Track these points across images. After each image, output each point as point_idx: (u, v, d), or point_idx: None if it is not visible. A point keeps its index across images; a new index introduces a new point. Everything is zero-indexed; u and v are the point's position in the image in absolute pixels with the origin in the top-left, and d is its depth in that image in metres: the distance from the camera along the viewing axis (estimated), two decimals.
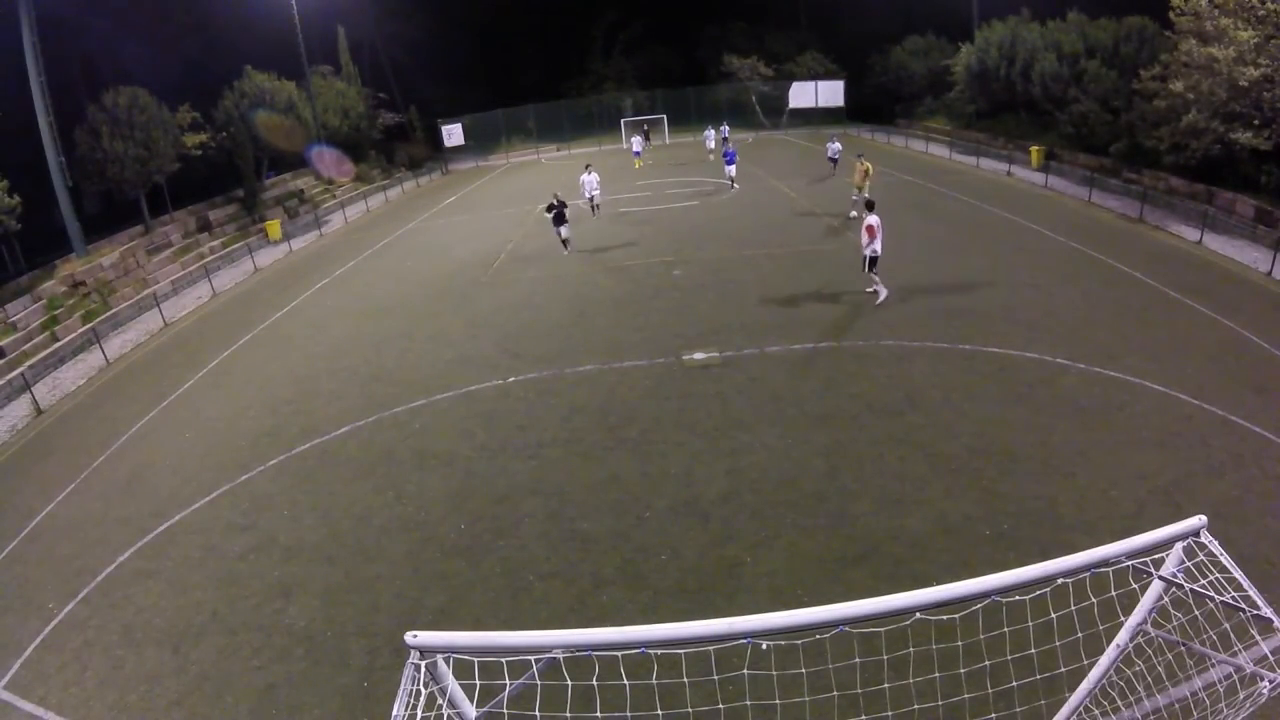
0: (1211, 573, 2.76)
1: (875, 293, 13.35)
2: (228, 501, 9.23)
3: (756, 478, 8.36)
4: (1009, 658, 3.55)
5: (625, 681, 3.03)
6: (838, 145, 26.98)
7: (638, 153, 34.54)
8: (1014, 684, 3.75)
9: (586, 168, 22.53)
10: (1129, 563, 2.69)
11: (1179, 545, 2.81)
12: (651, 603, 6.64)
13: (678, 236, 19.79)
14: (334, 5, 36.48)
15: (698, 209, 23.17)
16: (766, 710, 4.08)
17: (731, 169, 25.72)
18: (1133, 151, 22.39)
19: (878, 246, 12.87)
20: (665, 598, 6.71)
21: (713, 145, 33.97)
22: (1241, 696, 2.90)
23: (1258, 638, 2.91)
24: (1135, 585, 2.99)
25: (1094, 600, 3.24)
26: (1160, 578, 2.86)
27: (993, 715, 3.89)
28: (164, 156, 24.05)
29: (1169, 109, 19.73)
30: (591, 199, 22.18)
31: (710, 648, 2.45)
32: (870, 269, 13.21)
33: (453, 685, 2.69)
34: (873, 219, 12.90)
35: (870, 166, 19.19)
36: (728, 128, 36.00)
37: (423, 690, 2.54)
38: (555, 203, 18.18)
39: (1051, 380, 10.05)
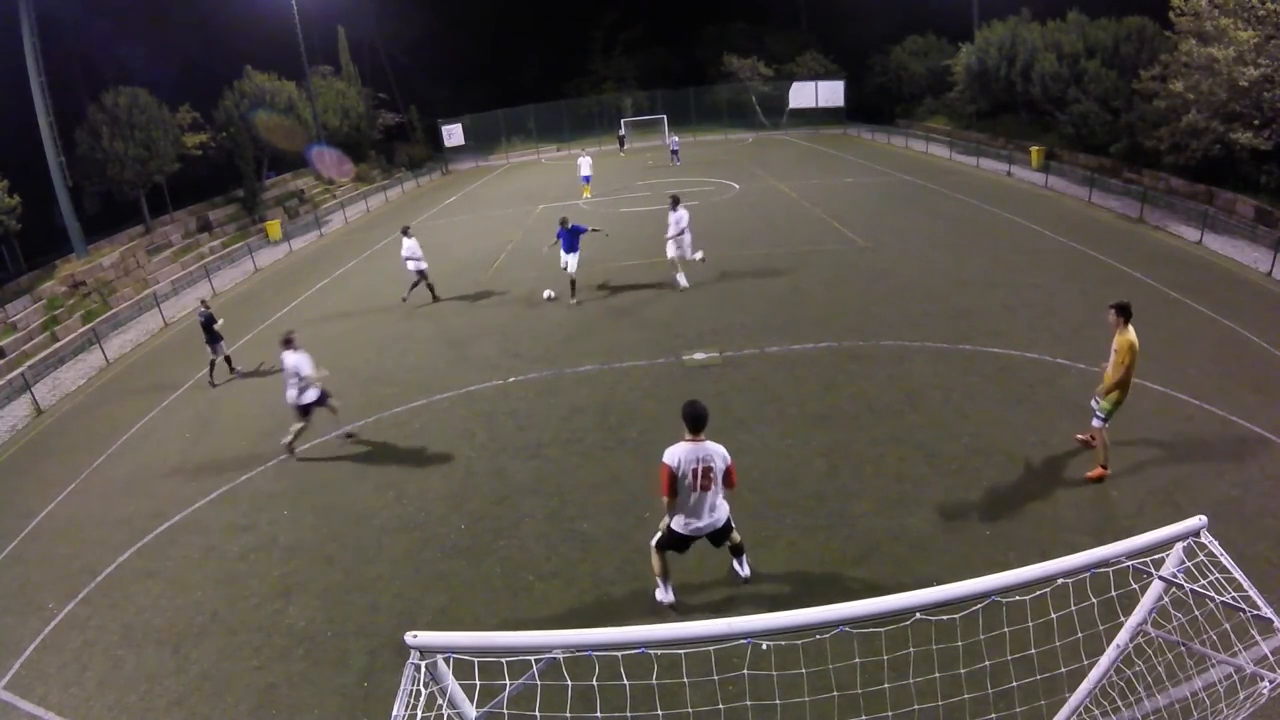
0: (1211, 573, 2.76)
1: None
2: (228, 501, 9.23)
3: (756, 478, 8.34)
4: (1009, 658, 3.55)
5: (625, 681, 3.03)
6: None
7: (586, 177, 27.26)
8: (1014, 684, 3.75)
9: None
10: (1129, 563, 2.69)
11: (1179, 545, 2.81)
12: (651, 603, 6.63)
13: None
14: (334, 5, 36.50)
15: (698, 209, 23.14)
16: (766, 710, 4.08)
17: (571, 259, 14.77)
18: (1133, 151, 22.40)
19: None
20: None
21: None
22: (1241, 697, 2.91)
23: (1258, 638, 2.91)
24: (1135, 585, 2.99)
25: (1094, 600, 3.24)
26: (1160, 578, 2.86)
27: (993, 715, 3.90)
28: (164, 156, 24.09)
29: (1169, 109, 19.74)
30: None
31: (710, 648, 2.44)
32: None
33: (453, 685, 2.69)
34: None
35: None
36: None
37: (423, 690, 2.54)
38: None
39: (1051, 380, 10.05)
